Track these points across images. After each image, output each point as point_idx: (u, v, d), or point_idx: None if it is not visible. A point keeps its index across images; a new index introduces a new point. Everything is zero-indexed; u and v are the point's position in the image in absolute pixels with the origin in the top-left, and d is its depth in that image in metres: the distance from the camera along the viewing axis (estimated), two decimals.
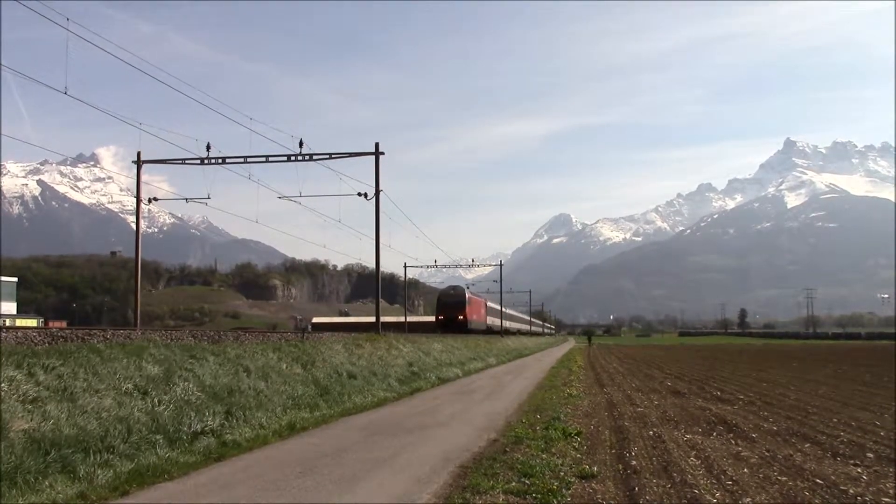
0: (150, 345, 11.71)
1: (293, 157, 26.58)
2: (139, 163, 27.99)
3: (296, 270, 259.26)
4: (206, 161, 25.92)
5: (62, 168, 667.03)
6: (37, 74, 18.69)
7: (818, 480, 7.97)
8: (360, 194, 28.02)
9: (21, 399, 7.88)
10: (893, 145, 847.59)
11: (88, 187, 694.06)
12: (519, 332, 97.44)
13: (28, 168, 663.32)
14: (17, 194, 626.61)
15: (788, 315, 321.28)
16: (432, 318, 57.24)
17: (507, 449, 9.39)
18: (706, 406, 15.98)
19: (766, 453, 9.75)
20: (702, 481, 7.77)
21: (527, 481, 7.44)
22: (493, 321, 73.98)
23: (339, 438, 10.19)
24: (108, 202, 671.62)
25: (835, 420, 13.68)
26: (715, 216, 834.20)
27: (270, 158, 26.78)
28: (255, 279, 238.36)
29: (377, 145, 27.74)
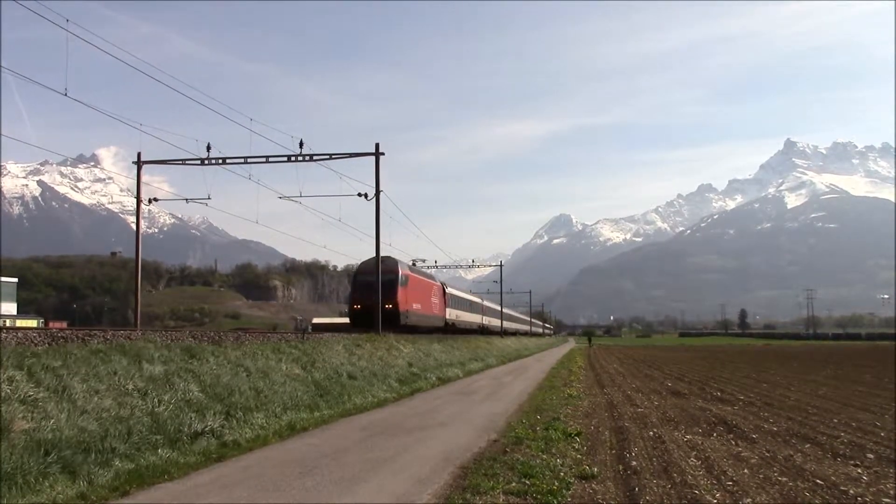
0: (150, 345, 11.72)
1: (293, 158, 26.57)
2: (139, 163, 28.00)
3: (296, 271, 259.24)
4: (206, 161, 25.91)
5: (62, 168, 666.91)
6: (37, 75, 18.75)
7: (818, 481, 7.97)
8: (360, 194, 28.01)
9: (21, 399, 7.88)
10: (893, 146, 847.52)
11: (89, 188, 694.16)
12: (517, 333, 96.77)
13: (28, 168, 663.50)
14: (17, 195, 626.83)
15: (789, 316, 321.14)
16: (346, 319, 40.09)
17: (508, 449, 9.39)
18: (706, 407, 15.97)
19: (767, 454, 9.75)
20: (702, 482, 7.77)
21: (527, 482, 7.44)
22: (471, 318, 63.57)
23: (339, 439, 10.19)
24: (109, 203, 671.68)
25: (835, 421, 13.67)
26: (715, 217, 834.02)
27: (271, 159, 26.77)
28: (256, 280, 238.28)
29: (377, 146, 27.75)
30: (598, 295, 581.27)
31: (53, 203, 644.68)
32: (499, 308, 79.90)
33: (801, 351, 69.71)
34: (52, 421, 7.78)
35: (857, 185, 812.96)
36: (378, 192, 27.55)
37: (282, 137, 51.97)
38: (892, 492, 7.61)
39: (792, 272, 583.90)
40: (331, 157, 27.07)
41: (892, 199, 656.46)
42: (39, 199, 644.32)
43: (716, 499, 7.03)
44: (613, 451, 9.72)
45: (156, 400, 9.71)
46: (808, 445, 10.60)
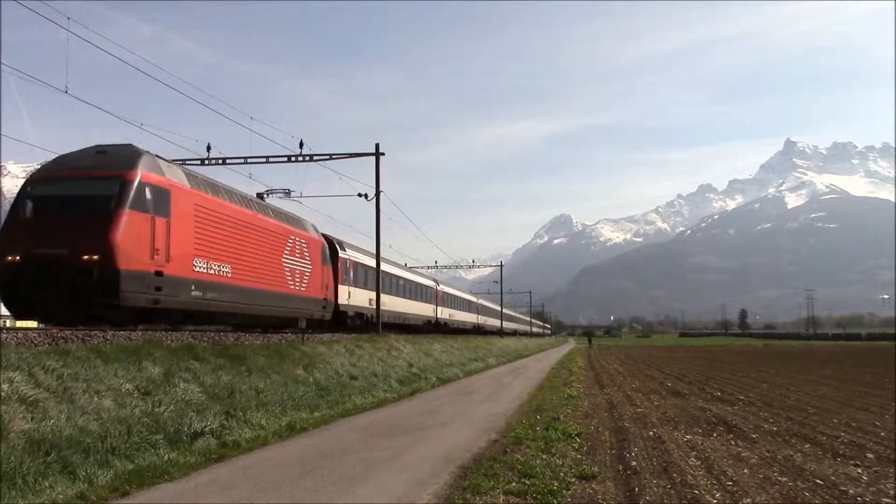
0: (150, 345, 11.72)
1: (294, 158, 26.59)
2: None
3: None
4: (206, 161, 25.90)
5: None
6: (37, 75, 18.68)
7: (818, 481, 7.97)
8: (360, 195, 28.04)
9: (21, 399, 7.88)
10: (894, 146, 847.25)
11: None
12: (516, 333, 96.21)
13: (28, 168, 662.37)
14: None
15: (789, 316, 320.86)
16: None
17: (508, 449, 9.39)
18: (706, 407, 15.97)
19: (767, 454, 9.75)
20: (702, 482, 7.76)
21: (527, 482, 7.44)
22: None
23: (339, 439, 10.19)
24: None
25: (835, 421, 13.67)
26: (715, 217, 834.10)
27: (271, 159, 26.79)
28: None
29: (377, 146, 27.76)
30: (599, 295, 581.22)
31: None
32: (496, 307, 79.76)
33: (801, 351, 69.70)
34: (52, 421, 7.77)
35: (857, 186, 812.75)
36: (378, 192, 27.56)
37: (282, 137, 51.87)
38: (892, 492, 7.61)
39: (792, 272, 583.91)
40: (331, 157, 27.09)
41: (893, 200, 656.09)
42: None
43: (716, 499, 7.03)
44: (613, 451, 9.72)
45: (156, 400, 9.70)
46: (807, 445, 10.60)
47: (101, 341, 11.43)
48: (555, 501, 6.74)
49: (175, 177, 14.94)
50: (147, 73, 20.22)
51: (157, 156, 14.99)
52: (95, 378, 9.32)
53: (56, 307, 12.94)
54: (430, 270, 59.74)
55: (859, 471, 8.72)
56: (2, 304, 14.88)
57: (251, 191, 23.73)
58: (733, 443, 10.77)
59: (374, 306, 29.28)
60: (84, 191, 13.27)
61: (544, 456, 8.98)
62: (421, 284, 43.51)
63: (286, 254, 20.29)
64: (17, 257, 12.86)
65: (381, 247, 28.50)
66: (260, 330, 20.15)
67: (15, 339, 10.36)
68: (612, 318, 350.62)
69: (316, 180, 30.02)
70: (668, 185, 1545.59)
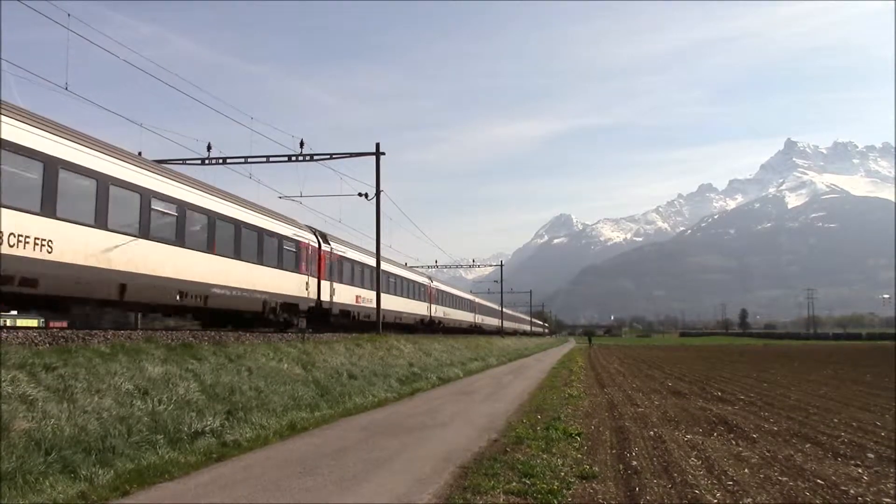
0: (150, 345, 11.72)
1: (294, 158, 26.58)
2: None
3: None
4: (206, 161, 25.91)
5: None
6: (37, 73, 18.65)
7: (819, 481, 7.97)
8: (360, 194, 28.04)
9: (22, 399, 7.88)
10: (894, 146, 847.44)
11: None
12: (516, 332, 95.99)
13: None
14: None
15: (789, 315, 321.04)
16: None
17: (508, 449, 9.38)
18: (707, 406, 15.97)
19: (767, 454, 9.75)
20: (702, 482, 7.76)
21: (527, 481, 7.44)
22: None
23: (339, 439, 10.19)
24: None
25: (835, 420, 13.67)
26: (715, 216, 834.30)
27: (271, 158, 26.78)
28: None
29: (378, 145, 27.76)
30: (599, 295, 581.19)
31: None
32: (494, 306, 79.58)
33: (802, 351, 69.67)
34: (53, 420, 7.78)
35: (857, 185, 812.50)
36: (378, 191, 27.56)
37: (282, 137, 51.98)
38: (892, 492, 7.61)
39: (792, 272, 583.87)
40: (331, 156, 27.08)
41: (893, 199, 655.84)
42: None
43: (716, 499, 7.03)
44: (614, 451, 9.72)
45: (156, 399, 9.70)
46: (808, 445, 10.60)
47: (102, 341, 11.44)
48: (555, 501, 6.74)
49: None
50: (147, 72, 20.17)
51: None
52: (96, 378, 9.32)
53: None
54: (430, 270, 59.27)
55: (860, 471, 8.72)
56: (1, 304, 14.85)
57: (251, 190, 23.62)
58: (734, 443, 10.77)
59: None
60: None
61: (545, 455, 8.98)
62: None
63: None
64: None
65: (382, 247, 28.50)
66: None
67: (16, 338, 10.37)
68: (612, 317, 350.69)
69: (316, 180, 29.98)
70: (669, 184, 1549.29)
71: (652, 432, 11.59)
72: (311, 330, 21.99)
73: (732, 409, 15.43)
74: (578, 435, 10.82)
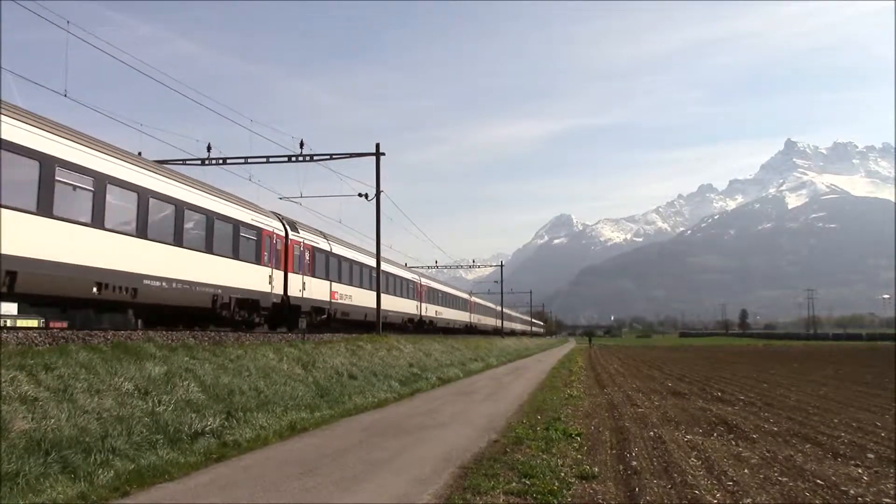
0: (150, 345, 11.72)
1: (294, 158, 26.60)
2: None
3: None
4: (206, 162, 25.93)
5: None
6: (36, 76, 18.69)
7: (819, 481, 7.97)
8: (360, 195, 28.05)
9: (22, 399, 7.88)
10: (894, 146, 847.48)
11: None
12: (514, 332, 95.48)
13: None
14: None
15: (789, 316, 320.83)
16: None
17: (508, 449, 9.38)
18: (707, 407, 15.97)
19: (767, 454, 9.75)
20: (702, 482, 7.76)
21: (527, 482, 7.44)
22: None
23: (339, 439, 10.19)
24: None
25: (835, 421, 13.67)
26: (715, 217, 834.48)
27: (271, 159, 26.80)
28: None
29: (378, 146, 27.78)
30: (599, 295, 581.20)
31: None
32: (491, 306, 79.28)
33: (802, 351, 69.66)
34: (53, 421, 7.78)
35: (857, 186, 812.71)
36: (378, 192, 27.57)
37: (282, 138, 51.95)
38: (892, 492, 7.61)
39: (792, 272, 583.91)
40: (331, 157, 27.09)
41: (893, 200, 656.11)
42: None
43: (716, 499, 7.03)
44: (614, 452, 9.72)
45: (156, 400, 9.71)
46: (808, 445, 10.60)
47: (102, 341, 11.44)
48: (555, 501, 6.73)
49: None
50: (146, 73, 20.15)
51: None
52: (96, 378, 9.33)
53: None
54: (430, 270, 58.72)
55: (860, 471, 8.72)
56: (3, 305, 14.92)
57: (251, 191, 23.55)
58: (734, 443, 10.77)
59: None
60: None
61: (545, 456, 8.97)
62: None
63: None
64: None
65: (382, 247, 28.50)
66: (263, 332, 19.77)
67: (16, 338, 10.37)
68: (612, 318, 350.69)
69: (316, 181, 30.02)
70: (669, 185, 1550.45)
71: (652, 433, 11.59)
72: (310, 330, 21.96)
73: (732, 410, 15.43)
74: (578, 435, 10.82)
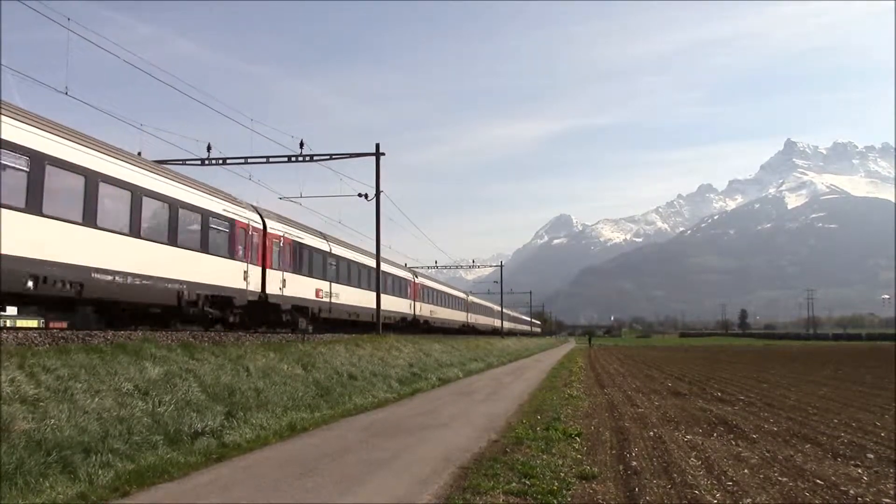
0: (150, 345, 11.72)
1: (294, 158, 26.60)
2: None
3: None
4: (206, 162, 25.93)
5: None
6: (37, 75, 18.68)
7: (819, 481, 7.97)
8: (360, 195, 28.06)
9: (22, 399, 7.89)
10: (894, 146, 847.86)
11: None
12: (513, 332, 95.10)
13: None
14: None
15: (789, 316, 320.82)
16: None
17: (508, 450, 9.38)
18: (707, 407, 15.97)
19: (767, 454, 9.75)
20: (702, 482, 7.76)
21: (527, 482, 7.44)
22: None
23: (339, 439, 10.19)
24: None
25: (835, 421, 13.67)
26: (715, 217, 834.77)
27: (271, 159, 26.80)
28: None
29: (378, 146, 27.79)
30: (599, 295, 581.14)
31: None
32: (488, 305, 79.03)
33: (802, 351, 69.67)
34: (53, 421, 7.78)
35: (857, 186, 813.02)
36: (378, 192, 27.58)
37: (282, 138, 51.95)
38: (892, 492, 7.61)
39: (792, 272, 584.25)
40: (331, 157, 27.10)
41: (893, 200, 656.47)
42: None
43: (716, 499, 7.03)
44: (614, 452, 9.72)
45: (156, 400, 9.71)
46: (808, 445, 10.60)
47: (102, 341, 11.44)
48: (555, 501, 6.73)
49: None
50: (147, 73, 20.15)
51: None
52: (96, 378, 9.33)
53: None
54: (430, 270, 58.57)
55: (860, 471, 8.72)
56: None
57: (252, 191, 23.45)
58: (734, 443, 10.77)
59: (325, 299, 25.49)
60: None
61: (545, 456, 8.98)
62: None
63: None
64: None
65: (382, 247, 28.49)
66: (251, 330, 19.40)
67: (15, 338, 10.37)
68: (612, 318, 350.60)
69: (316, 180, 30.01)
70: (668, 185, 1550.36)
71: (652, 433, 11.60)
72: (311, 331, 21.92)
73: (732, 410, 15.43)
74: (578, 435, 10.82)
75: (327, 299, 26.13)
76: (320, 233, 27.18)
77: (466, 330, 59.07)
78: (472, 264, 79.11)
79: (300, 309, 23.81)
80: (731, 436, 11.50)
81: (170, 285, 15.95)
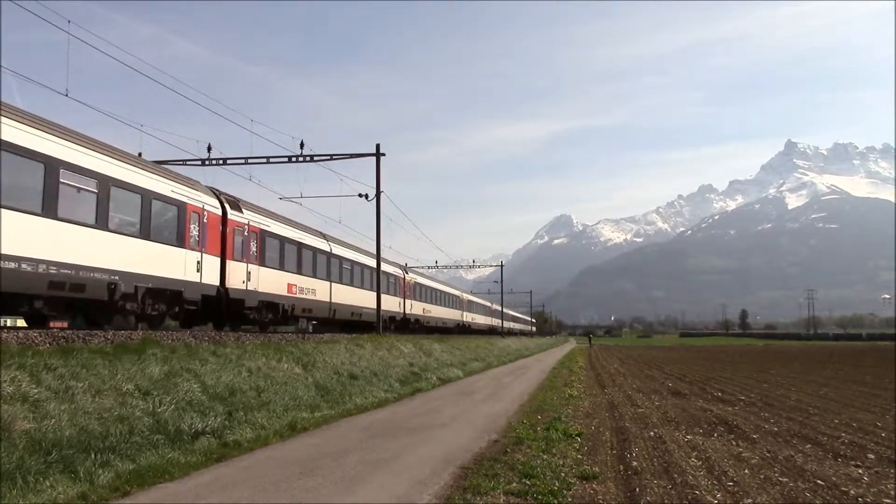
0: (151, 345, 11.72)
1: (294, 159, 26.62)
2: None
3: None
4: (206, 162, 25.95)
5: None
6: (37, 77, 18.69)
7: (819, 481, 7.97)
8: (360, 195, 28.08)
9: (23, 399, 7.89)
10: (894, 146, 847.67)
11: None
12: (512, 331, 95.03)
13: None
14: None
15: (789, 316, 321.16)
16: None
17: (508, 450, 9.38)
18: (707, 407, 15.96)
19: (767, 454, 9.74)
20: (703, 482, 7.76)
21: (528, 482, 7.44)
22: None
23: (340, 439, 10.19)
24: None
25: (836, 421, 13.67)
26: (716, 217, 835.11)
27: (271, 159, 26.82)
28: None
29: (378, 146, 27.81)
30: (599, 295, 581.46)
31: None
32: (487, 304, 79.01)
33: (802, 351, 69.64)
34: (54, 421, 7.78)
35: (857, 186, 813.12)
36: (378, 192, 27.59)
37: (282, 138, 51.95)
38: (892, 492, 7.60)
39: (792, 273, 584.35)
40: (331, 157, 27.11)
41: (893, 200, 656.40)
42: None
43: (716, 499, 7.03)
44: (614, 452, 9.72)
45: (157, 400, 9.71)
46: (808, 446, 10.59)
47: (102, 341, 11.44)
48: (556, 502, 6.73)
49: None
50: (147, 74, 20.13)
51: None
52: (97, 378, 9.33)
53: None
54: (430, 271, 58.20)
55: (860, 471, 8.71)
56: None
57: (252, 191, 23.46)
58: (734, 443, 10.76)
59: (300, 295, 23.67)
60: None
61: (545, 456, 8.97)
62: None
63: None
64: None
65: (382, 248, 28.49)
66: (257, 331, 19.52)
67: (16, 338, 10.37)
68: (612, 318, 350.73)
69: (316, 181, 30.04)
70: (669, 185, 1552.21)
71: (652, 433, 11.59)
72: (311, 331, 21.90)
73: (733, 410, 15.42)
74: (579, 435, 10.82)
75: (303, 295, 24.15)
76: (297, 223, 25.41)
77: (463, 330, 58.32)
78: (472, 264, 79.18)
79: (269, 305, 21.92)
80: (732, 436, 11.49)
81: (98, 275, 13.80)
